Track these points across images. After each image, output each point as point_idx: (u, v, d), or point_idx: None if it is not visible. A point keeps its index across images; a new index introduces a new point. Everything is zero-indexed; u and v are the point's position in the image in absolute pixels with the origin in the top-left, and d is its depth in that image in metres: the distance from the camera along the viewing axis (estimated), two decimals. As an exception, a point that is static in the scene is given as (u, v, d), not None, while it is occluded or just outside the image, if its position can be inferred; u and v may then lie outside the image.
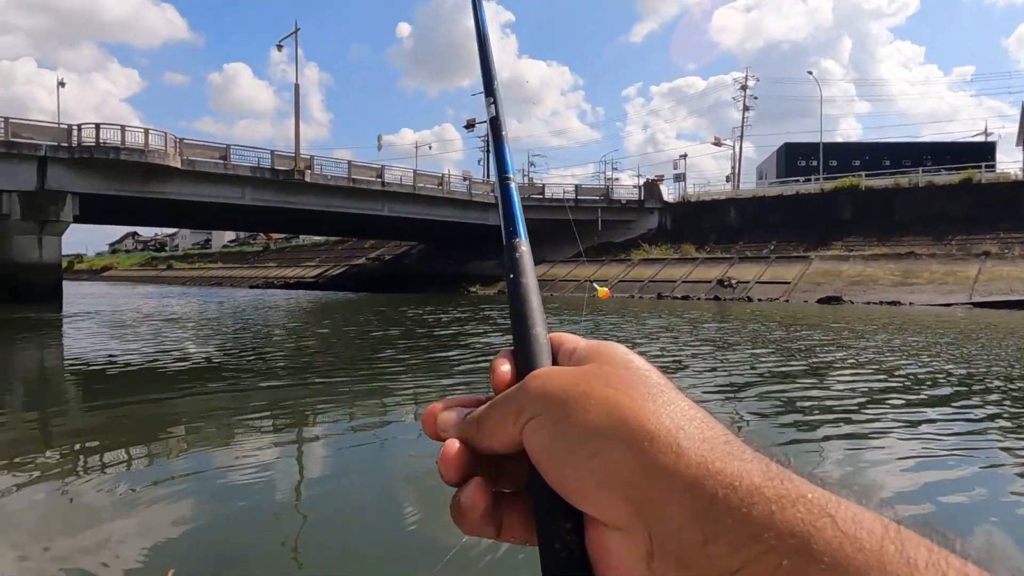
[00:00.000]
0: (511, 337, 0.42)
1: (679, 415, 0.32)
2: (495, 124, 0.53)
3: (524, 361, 0.40)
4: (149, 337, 12.85)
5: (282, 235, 75.29)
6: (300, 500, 3.76)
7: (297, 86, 36.86)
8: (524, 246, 0.46)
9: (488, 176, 54.27)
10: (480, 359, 9.25)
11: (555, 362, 0.40)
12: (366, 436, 5.22)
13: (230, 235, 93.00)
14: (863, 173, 38.09)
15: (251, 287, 50.22)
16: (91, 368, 9.10)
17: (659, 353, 9.86)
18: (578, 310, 20.78)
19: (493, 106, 0.54)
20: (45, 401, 6.94)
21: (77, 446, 4.85)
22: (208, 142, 31.37)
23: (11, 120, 25.47)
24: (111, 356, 10.12)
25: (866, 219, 33.62)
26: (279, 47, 38.70)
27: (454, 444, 0.37)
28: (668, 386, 0.34)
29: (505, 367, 0.40)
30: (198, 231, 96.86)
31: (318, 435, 5.31)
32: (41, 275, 25.13)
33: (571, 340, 0.40)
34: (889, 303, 24.25)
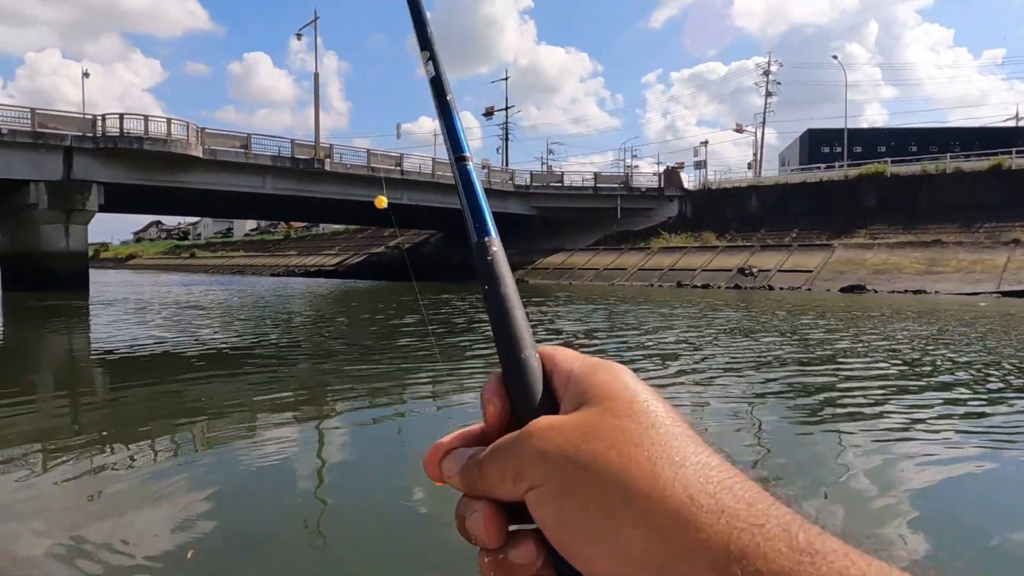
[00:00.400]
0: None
1: (697, 480, 0.29)
2: (437, 87, 0.45)
3: (517, 394, 0.37)
4: (172, 324, 13.05)
5: (302, 224, 75.86)
6: (320, 485, 3.81)
7: (316, 75, 36.96)
8: (496, 245, 0.41)
9: (507, 164, 54.18)
10: (489, 347, 9.26)
11: (548, 388, 0.36)
12: (385, 421, 5.26)
13: (251, 224, 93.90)
14: (889, 159, 37.38)
15: (272, 275, 50.75)
16: (117, 354, 9.27)
17: (676, 340, 9.80)
18: (596, 300, 20.73)
19: (431, 63, 0.46)
20: (73, 386, 7.09)
21: (104, 432, 4.94)
22: (229, 131, 31.65)
23: (38, 111, 25.89)
24: (136, 342, 10.30)
25: (891, 206, 33.02)
26: (298, 36, 38.82)
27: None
28: (680, 430, 0.31)
29: (495, 403, 0.37)
30: (220, 220, 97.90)
31: (338, 420, 5.36)
32: (68, 263, 25.62)
33: (564, 360, 0.37)
34: (914, 292, 23.86)
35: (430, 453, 0.38)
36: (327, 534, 3.11)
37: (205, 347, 9.72)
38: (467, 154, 0.44)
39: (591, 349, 9.28)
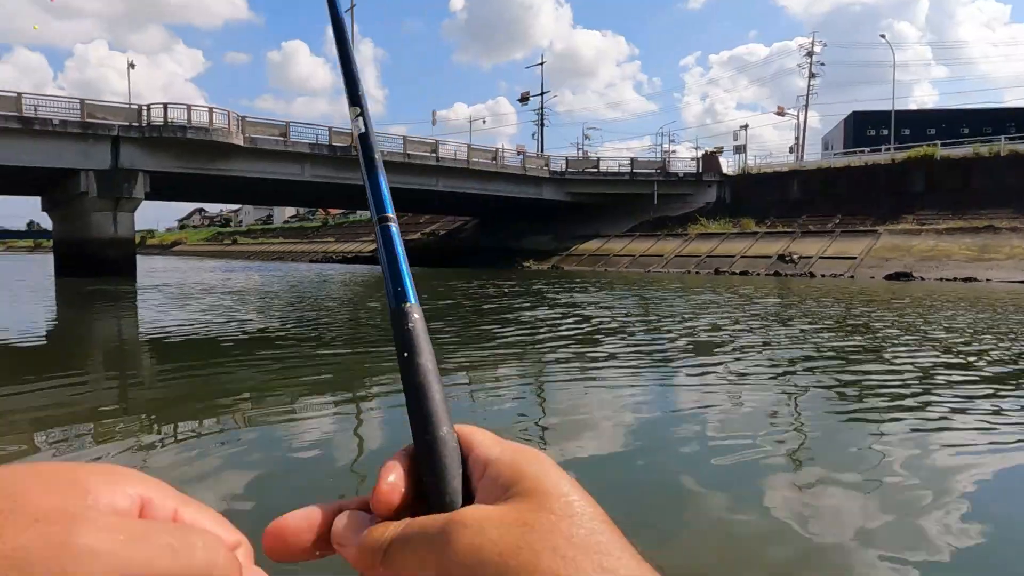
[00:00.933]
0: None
1: None
2: (366, 144, 0.43)
3: (432, 476, 0.33)
4: (215, 308, 13.38)
5: (339, 210, 76.91)
6: (357, 463, 3.87)
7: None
8: (417, 312, 0.38)
9: (542, 150, 53.90)
10: (525, 333, 9.28)
11: (465, 471, 0.34)
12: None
13: (290, 211, 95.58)
14: (938, 142, 36.01)
15: (310, 261, 51.61)
16: (162, 337, 9.56)
17: (712, 327, 9.66)
18: (631, 285, 20.55)
19: (360, 119, 0.44)
20: (121, 367, 7.34)
21: (150, 412, 5.12)
22: (269, 120, 32.16)
23: (87, 102, 26.69)
24: (180, 326, 10.60)
25: (941, 191, 31.88)
26: (335, 24, 39.07)
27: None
28: (609, 538, 0.29)
29: (400, 482, 0.33)
30: (260, 207, 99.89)
31: (375, 402, 5.44)
32: (116, 250, 26.48)
33: (483, 444, 0.34)
34: (964, 279, 23.04)
35: (274, 526, 0.33)
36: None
37: (245, 331, 9.96)
38: (390, 214, 0.41)
39: (625, 341, 9.22)
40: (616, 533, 0.29)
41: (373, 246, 59.36)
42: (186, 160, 28.12)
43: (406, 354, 0.36)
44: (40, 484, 0.25)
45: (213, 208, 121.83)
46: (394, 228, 0.41)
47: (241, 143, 28.87)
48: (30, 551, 0.22)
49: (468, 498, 0.33)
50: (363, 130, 0.43)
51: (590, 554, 0.27)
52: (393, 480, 0.33)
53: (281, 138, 30.88)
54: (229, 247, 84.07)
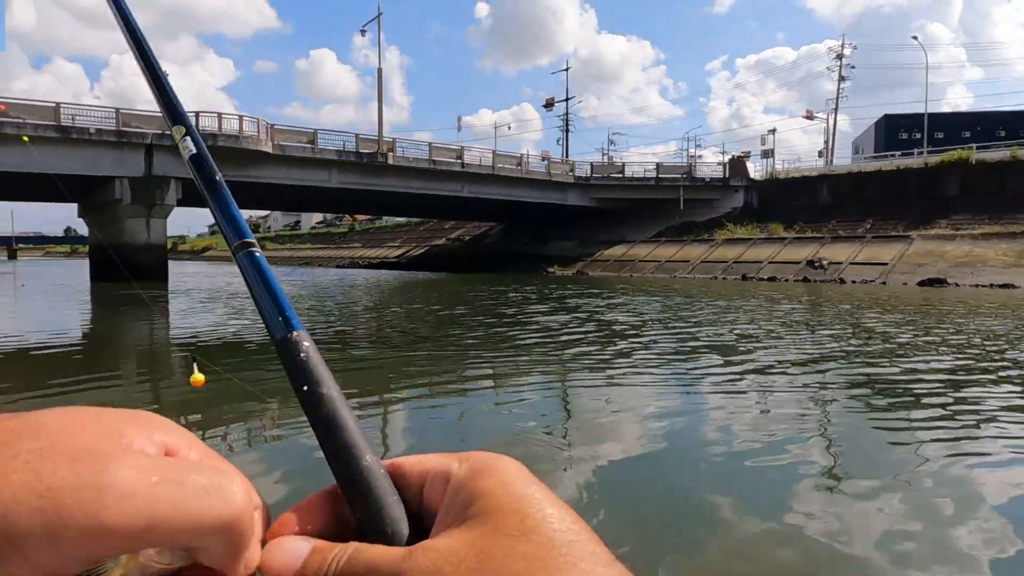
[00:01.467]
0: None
1: None
2: (201, 165, 0.38)
3: (364, 511, 0.30)
4: (238, 312, 13.60)
5: (366, 216, 77.69)
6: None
7: (380, 70, 37.66)
8: (307, 339, 0.35)
9: (567, 155, 53.85)
10: (546, 337, 9.26)
11: (403, 501, 0.31)
12: (446, 409, 5.34)
13: (318, 217, 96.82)
14: (973, 145, 35.18)
15: (338, 267, 52.18)
16: (193, 339, 9.74)
17: (740, 334, 9.53)
18: (657, 292, 20.41)
19: (188, 139, 0.39)
20: (153, 369, 7.49)
21: (181, 414, 5.21)
22: (296, 127, 32.69)
23: (121, 111, 27.38)
24: (209, 329, 10.78)
25: (976, 195, 31.12)
26: (362, 32, 39.68)
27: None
28: (576, 551, 0.26)
29: (323, 525, 0.31)
30: (289, 213, 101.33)
31: (400, 408, 5.47)
32: (149, 255, 27.07)
33: (417, 467, 0.32)
34: (1001, 286, 22.45)
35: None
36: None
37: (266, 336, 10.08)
38: (250, 239, 0.37)
39: (643, 342, 9.14)
40: (584, 540, 0.27)
41: (399, 251, 59.53)
42: (217, 167, 28.66)
43: (306, 387, 0.33)
44: (77, 426, 0.25)
45: (243, 214, 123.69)
46: (258, 254, 0.37)
47: (270, 150, 29.35)
48: (64, 489, 0.23)
49: (415, 524, 0.30)
50: (194, 151, 0.39)
51: (551, 573, 0.26)
52: (288, 549, 0.29)
53: (309, 145, 31.32)
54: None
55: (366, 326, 12.09)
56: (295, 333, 0.34)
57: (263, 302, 0.36)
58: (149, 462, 0.25)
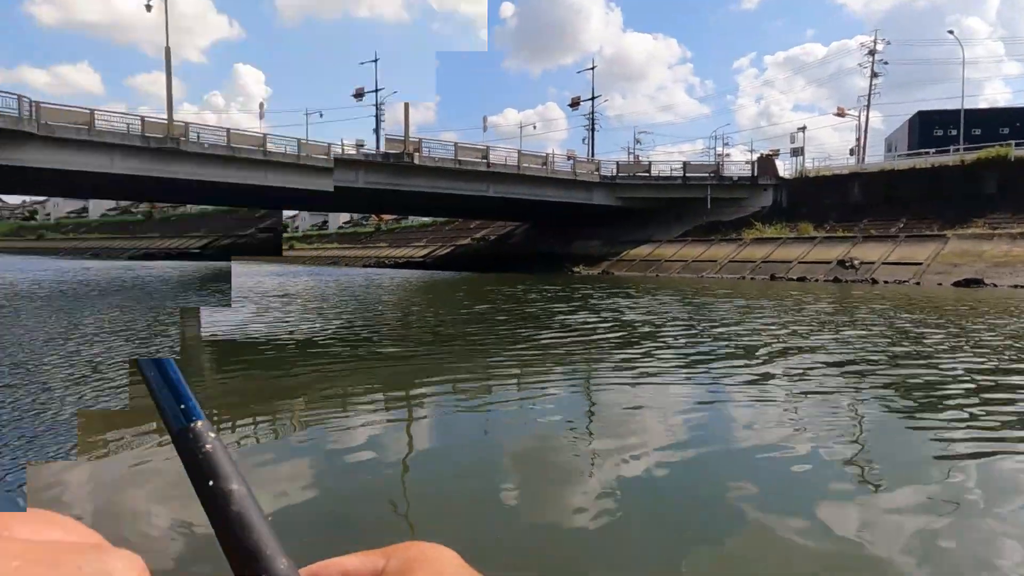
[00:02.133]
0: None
1: None
2: None
3: None
4: (265, 312, 13.81)
5: (392, 216, 78.30)
6: (406, 472, 3.93)
7: (377, 106, 37.83)
8: (212, 431, 0.32)
9: (592, 155, 53.64)
10: (573, 338, 9.24)
11: None
12: (471, 407, 5.37)
13: (344, 217, 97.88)
14: (1013, 142, 34.19)
15: (364, 266, 52.65)
16: (223, 339, 9.92)
17: (771, 336, 9.40)
18: (683, 292, 20.23)
19: None
20: (183, 368, 7.64)
21: (207, 412, 5.31)
22: (319, 142, 33.03)
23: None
24: (242, 329, 10.97)
25: (1015, 193, 30.24)
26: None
27: None
28: None
29: None
30: (316, 213, 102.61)
31: (426, 406, 5.51)
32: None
33: (357, 570, 0.30)
34: (1040, 286, 21.82)
35: None
36: (414, 521, 3.21)
37: (301, 335, 10.23)
38: None
39: (665, 340, 9.07)
40: None
41: (425, 251, 59.78)
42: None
43: (211, 482, 0.30)
44: None
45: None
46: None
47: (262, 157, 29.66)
48: None
49: None
50: None
51: None
52: None
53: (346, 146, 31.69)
54: (287, 252, 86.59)
55: (391, 324, 12.20)
56: (197, 423, 0.32)
57: (158, 389, 0.32)
58: (18, 546, 0.23)
